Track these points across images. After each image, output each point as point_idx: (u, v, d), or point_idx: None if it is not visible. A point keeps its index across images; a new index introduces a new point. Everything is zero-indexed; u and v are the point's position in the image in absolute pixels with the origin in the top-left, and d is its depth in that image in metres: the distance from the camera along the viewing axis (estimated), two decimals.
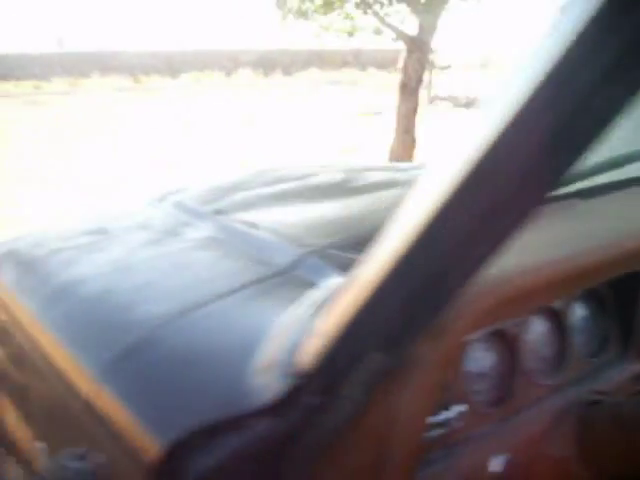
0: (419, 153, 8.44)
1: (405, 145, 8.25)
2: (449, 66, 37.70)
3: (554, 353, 1.09)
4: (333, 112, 15.55)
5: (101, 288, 1.28)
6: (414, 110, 8.21)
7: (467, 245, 0.58)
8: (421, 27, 7.69)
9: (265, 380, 0.83)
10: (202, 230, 1.54)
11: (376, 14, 7.85)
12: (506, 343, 1.00)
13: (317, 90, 21.86)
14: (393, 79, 9.12)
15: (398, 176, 2.06)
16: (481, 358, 0.99)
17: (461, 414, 0.92)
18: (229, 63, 31.01)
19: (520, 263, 0.63)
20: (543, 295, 1.02)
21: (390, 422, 0.75)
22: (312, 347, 0.74)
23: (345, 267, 1.15)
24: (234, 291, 1.15)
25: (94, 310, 1.22)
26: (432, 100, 17.55)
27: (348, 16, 8.42)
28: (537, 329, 1.06)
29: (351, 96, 19.81)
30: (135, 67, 28.40)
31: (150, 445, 0.83)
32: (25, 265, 1.56)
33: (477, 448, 0.94)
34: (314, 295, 1.02)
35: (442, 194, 0.55)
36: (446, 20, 8.08)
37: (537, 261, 0.88)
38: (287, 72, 31.08)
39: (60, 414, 1.20)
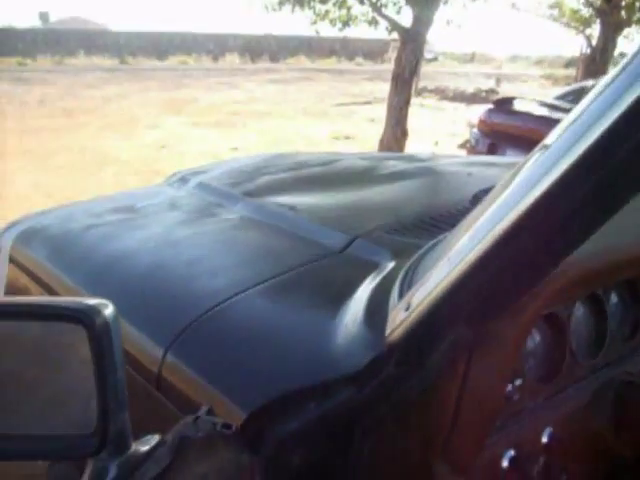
0: (409, 145, 8.48)
1: (396, 136, 8.28)
2: (436, 59, 37.87)
3: (595, 336, 1.16)
4: (322, 101, 15.54)
5: (151, 263, 1.30)
6: (406, 102, 8.24)
7: (557, 233, 0.63)
8: (416, 19, 7.73)
9: (348, 350, 0.88)
10: (236, 211, 1.57)
11: (373, 4, 7.88)
12: (557, 325, 1.06)
13: (306, 78, 21.80)
14: (380, 69, 9.16)
15: (413, 166, 2.11)
16: (535, 337, 1.05)
17: (518, 387, 0.98)
18: (216, 47, 30.88)
19: (587, 248, 0.68)
20: (598, 281, 1.09)
21: (468, 393, 0.80)
22: (398, 320, 0.79)
23: (396, 249, 1.21)
24: (294, 267, 1.18)
25: (149, 284, 1.24)
26: (420, 92, 17.60)
27: (344, 5, 8.44)
28: (580, 313, 1.14)
29: (340, 84, 19.81)
30: (122, 47, 28.19)
31: (228, 414, 0.87)
32: (60, 239, 1.57)
33: (529, 421, 1.00)
34: (386, 273, 1.08)
35: (539, 185, 0.61)
36: (440, 13, 8.15)
37: (601, 247, 0.94)
38: (274, 59, 31.00)
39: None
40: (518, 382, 0.98)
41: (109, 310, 0.70)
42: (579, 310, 1.13)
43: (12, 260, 1.63)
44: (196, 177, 1.97)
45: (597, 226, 0.63)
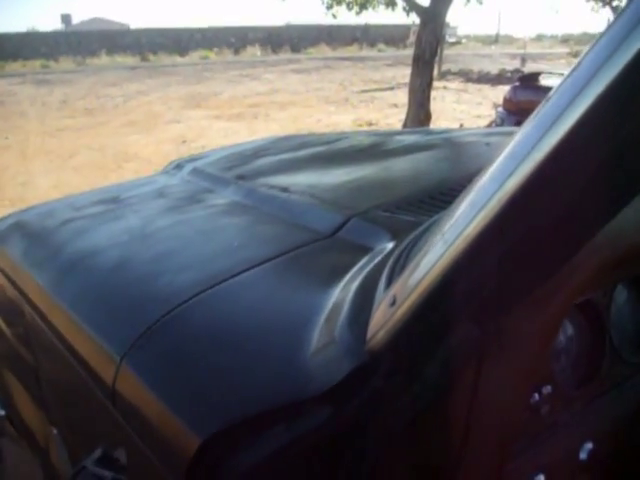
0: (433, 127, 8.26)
1: (419, 119, 8.06)
2: (459, 42, 37.43)
3: None
4: (344, 89, 15.31)
5: (118, 259, 1.15)
6: (428, 84, 8.02)
7: (584, 198, 0.46)
8: None
9: (323, 360, 0.70)
10: (225, 196, 1.41)
11: None
12: (594, 315, 0.86)
13: (327, 66, 21.59)
14: (402, 54, 8.96)
15: (425, 139, 1.93)
16: (567, 330, 0.86)
17: (547, 396, 0.79)
18: (237, 40, 30.79)
19: (630, 218, 0.50)
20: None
21: (479, 408, 0.62)
22: (383, 319, 0.61)
23: (395, 229, 1.02)
24: (271, 258, 1.01)
25: (112, 284, 1.09)
26: (443, 75, 17.28)
27: None
28: (623, 299, 0.93)
29: (361, 71, 19.57)
30: (143, 45, 28.29)
31: (182, 439, 0.71)
32: (33, 237, 1.45)
33: (563, 437, 0.81)
34: (379, 259, 0.89)
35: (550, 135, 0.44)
36: None
37: None
38: (295, 49, 30.81)
39: (75, 399, 1.08)
40: (546, 389, 0.79)
41: None
42: (621, 295, 0.92)
43: None
44: (191, 163, 1.83)
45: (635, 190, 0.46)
